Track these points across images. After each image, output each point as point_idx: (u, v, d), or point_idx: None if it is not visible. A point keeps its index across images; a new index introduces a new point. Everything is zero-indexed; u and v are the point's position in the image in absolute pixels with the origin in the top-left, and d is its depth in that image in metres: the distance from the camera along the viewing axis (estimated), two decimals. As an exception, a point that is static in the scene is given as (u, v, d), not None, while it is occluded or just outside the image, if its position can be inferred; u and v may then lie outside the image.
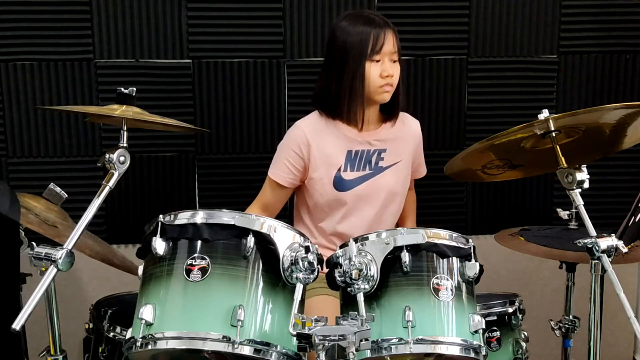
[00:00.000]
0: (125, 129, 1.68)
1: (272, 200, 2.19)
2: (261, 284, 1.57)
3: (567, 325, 2.25)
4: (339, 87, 2.07)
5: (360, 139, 2.14)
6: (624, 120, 1.81)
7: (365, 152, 2.15)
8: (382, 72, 2.04)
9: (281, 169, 2.15)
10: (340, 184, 2.13)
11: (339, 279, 1.63)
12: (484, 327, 1.65)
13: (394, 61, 2.07)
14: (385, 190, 2.17)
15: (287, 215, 2.44)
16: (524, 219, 2.76)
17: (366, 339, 1.45)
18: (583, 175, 1.73)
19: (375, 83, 2.05)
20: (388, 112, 2.18)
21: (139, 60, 2.60)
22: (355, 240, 1.67)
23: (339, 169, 2.13)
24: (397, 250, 1.63)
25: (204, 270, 1.55)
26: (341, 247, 1.70)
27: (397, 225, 2.30)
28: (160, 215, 1.61)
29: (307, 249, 1.58)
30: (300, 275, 1.57)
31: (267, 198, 2.20)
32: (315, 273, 1.60)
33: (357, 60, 2.03)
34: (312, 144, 2.11)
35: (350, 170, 2.14)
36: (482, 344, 1.64)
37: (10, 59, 2.55)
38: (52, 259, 1.50)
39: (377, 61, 2.03)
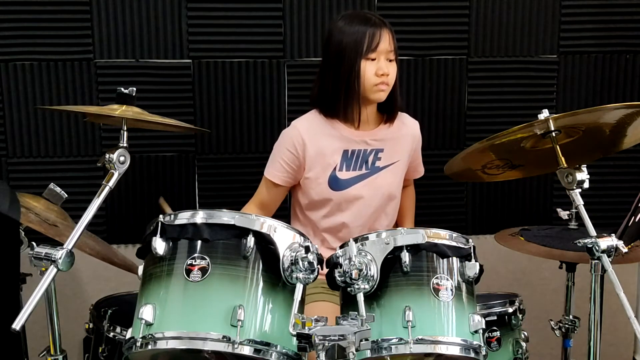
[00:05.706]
0: (125, 129, 1.68)
1: (268, 199, 2.20)
2: (261, 284, 1.57)
3: (567, 325, 2.25)
4: (336, 85, 2.07)
5: (357, 138, 2.14)
6: (624, 120, 1.81)
7: (362, 151, 2.14)
8: (378, 71, 2.03)
9: (277, 169, 2.15)
10: (335, 184, 2.13)
11: (339, 279, 1.63)
12: (484, 327, 1.65)
13: (390, 60, 2.06)
14: (382, 190, 2.16)
15: (287, 215, 2.44)
16: (524, 219, 2.76)
17: (366, 339, 1.45)
18: (583, 175, 1.73)
19: (371, 81, 2.04)
20: (386, 112, 2.17)
21: (139, 60, 2.60)
22: (355, 240, 1.67)
23: (335, 169, 2.13)
24: (397, 250, 1.63)
25: (204, 270, 1.54)
26: (341, 247, 1.70)
27: (396, 224, 2.30)
28: (160, 215, 1.61)
29: (307, 249, 1.58)
30: (300, 275, 1.57)
31: (263, 197, 2.20)
32: (315, 273, 1.60)
33: (352, 59, 2.02)
34: (307, 143, 2.11)
35: (346, 170, 2.13)
36: (482, 344, 1.64)
37: (10, 59, 2.55)
38: (52, 259, 1.50)
39: (373, 59, 2.03)
